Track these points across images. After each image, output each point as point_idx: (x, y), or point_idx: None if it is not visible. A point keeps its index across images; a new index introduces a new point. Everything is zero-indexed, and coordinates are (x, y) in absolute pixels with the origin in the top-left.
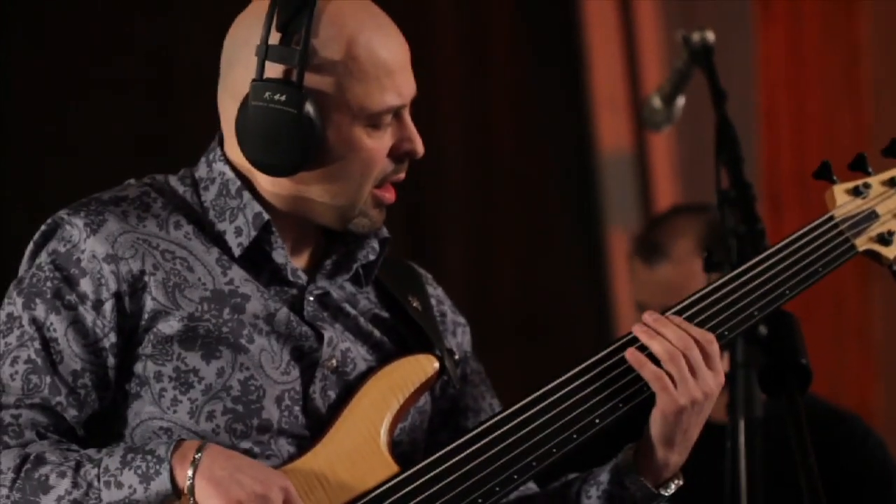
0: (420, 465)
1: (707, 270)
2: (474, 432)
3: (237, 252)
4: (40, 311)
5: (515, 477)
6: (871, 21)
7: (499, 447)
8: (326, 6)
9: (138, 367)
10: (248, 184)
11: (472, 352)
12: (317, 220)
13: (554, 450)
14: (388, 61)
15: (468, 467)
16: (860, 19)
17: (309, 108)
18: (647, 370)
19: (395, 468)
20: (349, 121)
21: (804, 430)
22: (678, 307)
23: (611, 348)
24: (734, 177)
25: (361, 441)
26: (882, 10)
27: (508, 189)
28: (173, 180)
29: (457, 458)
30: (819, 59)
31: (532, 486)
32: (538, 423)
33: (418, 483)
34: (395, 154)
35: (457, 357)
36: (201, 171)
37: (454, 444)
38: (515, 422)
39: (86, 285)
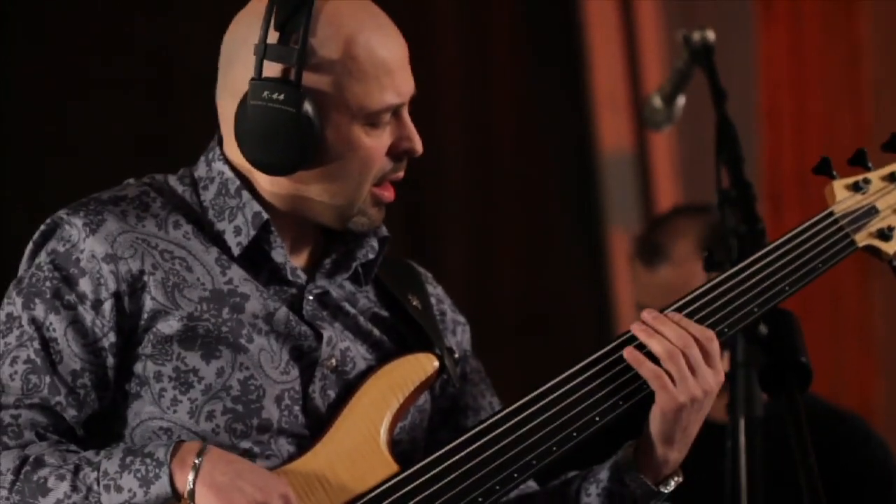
0: (420, 465)
1: (708, 270)
2: (474, 431)
3: (236, 251)
4: (40, 310)
5: (515, 475)
6: (871, 21)
7: (498, 446)
8: (324, 5)
9: (138, 367)
10: (247, 183)
11: (472, 350)
12: (316, 219)
13: (554, 448)
14: (386, 60)
15: (468, 466)
16: (860, 19)
17: (307, 107)
18: (646, 368)
19: (395, 467)
20: (348, 120)
21: (804, 429)
22: (678, 304)
23: (610, 346)
24: (734, 176)
25: (361, 440)
26: (882, 10)
27: (508, 189)
28: (172, 180)
29: (457, 457)
30: (820, 59)
31: (532, 485)
32: (538, 421)
33: (418, 482)
34: (394, 153)
35: (456, 356)
36: (200, 170)
37: (454, 443)
38: (515, 420)
39: (85, 285)
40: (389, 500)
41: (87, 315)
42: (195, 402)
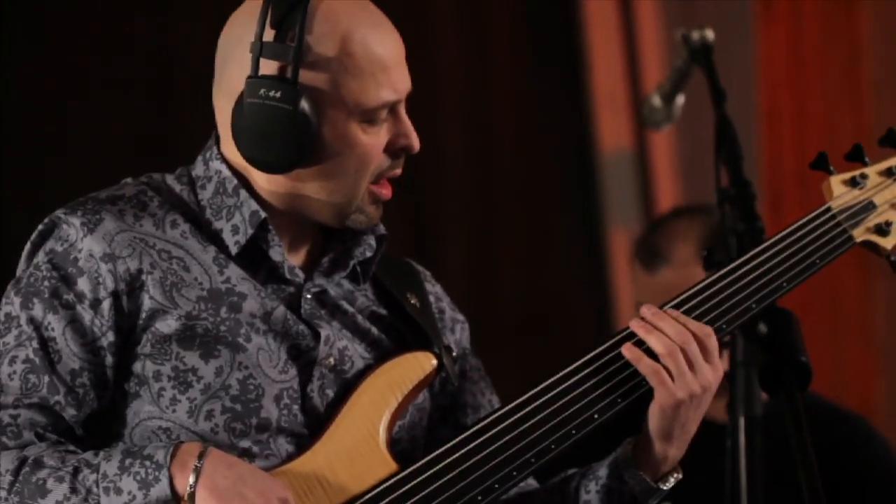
0: (419, 463)
1: (707, 269)
2: (473, 429)
3: (234, 250)
4: (38, 310)
5: (515, 473)
6: (871, 21)
7: (498, 444)
8: (320, 3)
9: (137, 367)
10: (244, 182)
11: (471, 348)
12: (313, 217)
13: (553, 445)
14: (382, 57)
15: (467, 464)
16: (860, 19)
17: (304, 104)
18: (644, 365)
19: (394, 466)
20: (344, 117)
21: (804, 428)
22: (676, 300)
23: (609, 343)
24: (734, 175)
25: (360, 439)
26: (882, 10)
27: (508, 189)
28: (170, 179)
29: (456, 456)
30: (819, 59)
31: (532, 482)
32: (537, 419)
33: (418, 481)
34: (391, 150)
35: (455, 354)
36: (198, 169)
37: (453, 442)
38: (514, 418)
39: (83, 284)
40: (389, 498)
41: (86, 314)
42: (194, 402)
